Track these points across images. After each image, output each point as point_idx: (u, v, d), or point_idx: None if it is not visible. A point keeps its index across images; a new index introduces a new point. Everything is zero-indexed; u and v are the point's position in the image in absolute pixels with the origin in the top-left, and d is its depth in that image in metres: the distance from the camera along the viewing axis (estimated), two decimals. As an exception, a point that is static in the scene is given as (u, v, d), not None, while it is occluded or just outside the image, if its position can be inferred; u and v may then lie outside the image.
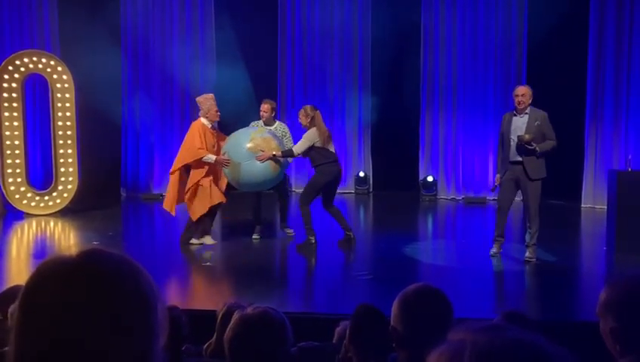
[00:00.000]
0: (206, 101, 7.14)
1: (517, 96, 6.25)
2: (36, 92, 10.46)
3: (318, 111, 6.89)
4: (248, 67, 10.90)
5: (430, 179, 11.08)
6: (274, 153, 6.64)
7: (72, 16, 10.20)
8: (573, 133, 9.57)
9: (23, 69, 9.12)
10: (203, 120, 7.07)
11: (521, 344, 0.77)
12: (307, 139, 6.72)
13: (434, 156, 11.31)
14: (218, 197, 6.98)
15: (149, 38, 11.31)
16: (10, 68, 9.07)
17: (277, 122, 7.56)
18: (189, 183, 6.93)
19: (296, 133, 7.43)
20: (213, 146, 6.97)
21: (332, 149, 6.85)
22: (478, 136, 11.04)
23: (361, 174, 11.47)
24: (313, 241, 6.83)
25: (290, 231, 7.54)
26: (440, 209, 10.53)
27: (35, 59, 9.17)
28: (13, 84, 9.10)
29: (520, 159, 6.19)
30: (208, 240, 7.12)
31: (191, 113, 11.37)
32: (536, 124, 6.17)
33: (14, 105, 9.12)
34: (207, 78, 11.25)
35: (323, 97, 11.54)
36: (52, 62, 9.20)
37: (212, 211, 7.08)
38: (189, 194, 6.93)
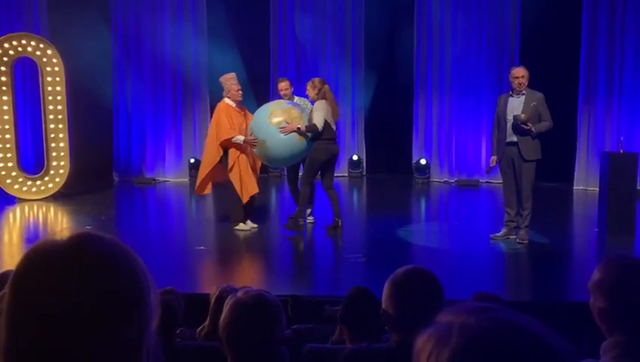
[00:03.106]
0: (226, 81, 7.03)
1: (517, 78, 6.23)
2: (26, 75, 10.34)
3: (326, 85, 6.79)
4: (240, 48, 10.82)
5: (423, 162, 11.10)
6: (298, 127, 6.49)
7: (61, -1, 10.08)
8: (566, 115, 9.56)
9: (12, 52, 9.01)
10: (227, 100, 6.97)
11: (509, 325, 0.77)
12: (319, 110, 6.56)
13: (427, 139, 11.31)
14: (252, 189, 6.86)
15: (139, 19, 11.18)
16: (-1, 51, 8.97)
17: (296, 98, 7.40)
18: (230, 163, 6.78)
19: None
20: (241, 125, 6.85)
21: (334, 127, 6.76)
22: (471, 119, 11.04)
23: (355, 158, 11.46)
24: (301, 223, 6.77)
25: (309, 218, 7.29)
26: (433, 192, 10.56)
27: (24, 42, 9.05)
28: (2, 68, 8.99)
29: (515, 140, 6.20)
30: (244, 226, 6.98)
31: (183, 95, 11.32)
32: (532, 105, 6.18)
33: (3, 88, 9.02)
34: (199, 59, 11.17)
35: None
36: (41, 45, 9.09)
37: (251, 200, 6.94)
38: (232, 174, 6.79)
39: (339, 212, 6.82)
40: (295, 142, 6.56)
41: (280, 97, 7.35)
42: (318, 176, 6.87)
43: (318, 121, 6.48)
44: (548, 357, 0.75)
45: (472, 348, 0.75)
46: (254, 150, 6.73)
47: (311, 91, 6.73)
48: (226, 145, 6.81)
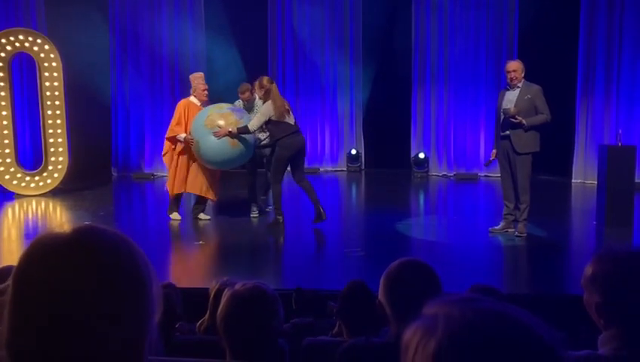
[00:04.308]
0: (194, 79, 7.23)
1: (509, 72, 6.24)
2: (23, 71, 10.32)
3: (274, 84, 6.73)
4: (238, 43, 10.80)
5: (422, 156, 11.10)
6: (229, 130, 6.53)
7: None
8: (564, 108, 9.57)
9: (9, 48, 8.98)
10: (192, 98, 7.18)
11: (494, 314, 0.78)
12: (262, 114, 6.58)
13: (426, 133, 11.31)
14: (178, 188, 7.07)
15: (137, 14, 11.15)
16: (-4, 46, 8.94)
17: (256, 99, 7.36)
18: (174, 157, 7.10)
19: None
20: None
21: (291, 121, 6.66)
22: (470, 113, 11.04)
23: (353, 152, 11.46)
24: (281, 221, 6.72)
25: (254, 211, 7.43)
26: (432, 185, 10.57)
27: (21, 37, 9.02)
28: (0, 64, 8.96)
29: (508, 133, 6.20)
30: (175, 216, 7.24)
31: (181, 90, 11.28)
32: (526, 98, 6.16)
33: (1, 84, 9.00)
34: (197, 53, 11.15)
35: (314, 75, 11.49)
36: (39, 41, 9.06)
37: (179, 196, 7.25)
38: (173, 168, 7.12)
39: (317, 199, 6.69)
40: (227, 146, 6.61)
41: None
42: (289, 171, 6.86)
43: (253, 124, 6.56)
44: (534, 345, 0.75)
45: (457, 339, 0.75)
46: (192, 150, 6.85)
47: (258, 91, 6.74)
48: (172, 141, 7.10)
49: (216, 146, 6.61)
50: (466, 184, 10.51)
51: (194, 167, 7.04)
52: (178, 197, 7.25)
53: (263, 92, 6.64)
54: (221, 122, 6.62)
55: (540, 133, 6.24)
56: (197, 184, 7.06)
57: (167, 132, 7.19)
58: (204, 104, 7.13)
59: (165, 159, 7.28)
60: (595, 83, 10.15)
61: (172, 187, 7.12)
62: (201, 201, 7.27)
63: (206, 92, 7.14)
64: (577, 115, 10.30)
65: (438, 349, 0.75)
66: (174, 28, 11.16)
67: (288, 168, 6.79)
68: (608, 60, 10.05)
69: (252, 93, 7.27)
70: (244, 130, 6.57)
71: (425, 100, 11.26)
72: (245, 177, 7.54)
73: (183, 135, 6.91)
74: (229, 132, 6.54)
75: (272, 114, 6.54)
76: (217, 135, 6.56)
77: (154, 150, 11.39)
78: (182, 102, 7.21)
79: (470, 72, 10.97)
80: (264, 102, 6.68)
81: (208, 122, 6.64)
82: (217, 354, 2.07)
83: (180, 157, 7.06)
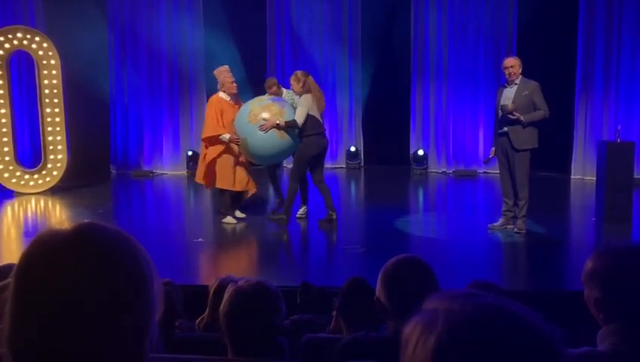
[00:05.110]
0: (220, 74, 6.97)
1: (506, 68, 6.24)
2: (22, 69, 10.31)
3: (310, 76, 6.69)
4: (237, 39, 10.78)
5: (421, 152, 11.10)
6: (277, 122, 6.40)
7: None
8: (563, 105, 9.57)
9: (7, 46, 8.97)
10: (221, 94, 6.92)
11: (494, 309, 0.78)
12: (304, 105, 6.48)
13: (425, 130, 11.31)
14: (241, 185, 6.82)
15: (135, 10, 11.13)
16: (-5, 44, 8.93)
17: (284, 92, 7.27)
18: (208, 158, 6.78)
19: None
20: (233, 121, 6.75)
21: (321, 120, 6.68)
22: (469, 110, 11.04)
23: (352, 149, 11.46)
24: (285, 219, 6.70)
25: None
26: (431, 182, 10.57)
27: (19, 35, 9.01)
28: (-2, 61, 8.96)
29: (506, 130, 6.20)
30: (230, 219, 6.95)
31: (180, 87, 11.29)
32: (524, 94, 6.15)
33: (0, 82, 8.99)
34: (196, 51, 11.13)
35: (313, 72, 11.41)
36: (37, 38, 9.05)
37: (237, 194, 6.96)
38: (209, 169, 6.82)
39: (332, 205, 6.73)
40: (276, 138, 6.46)
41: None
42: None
43: (299, 116, 6.41)
44: (533, 340, 0.76)
45: (457, 334, 0.76)
46: (240, 149, 6.68)
47: (295, 85, 6.63)
48: (211, 142, 6.77)
49: (265, 141, 6.43)
50: (465, 181, 10.52)
51: (232, 162, 6.77)
52: (238, 197, 6.97)
53: (301, 85, 6.53)
54: (265, 115, 6.46)
55: (539, 129, 6.23)
56: (241, 180, 6.83)
57: (204, 132, 6.82)
58: (234, 97, 6.95)
59: (209, 166, 6.83)
60: (594, 79, 10.15)
61: (230, 184, 6.78)
62: (237, 199, 7.02)
63: (234, 84, 6.90)
64: (576, 112, 10.30)
65: (438, 343, 0.76)
66: (173, 25, 11.14)
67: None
68: (607, 57, 10.04)
69: (279, 88, 7.22)
70: (293, 123, 6.41)
71: (424, 97, 11.25)
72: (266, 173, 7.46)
73: (227, 135, 6.64)
74: (277, 124, 6.41)
75: (311, 106, 6.47)
76: (264, 128, 6.39)
77: (153, 147, 11.39)
78: (212, 101, 6.90)
79: (469, 68, 10.96)
80: (301, 96, 6.56)
81: (252, 117, 6.46)
82: (217, 351, 2.07)
83: (224, 155, 6.75)
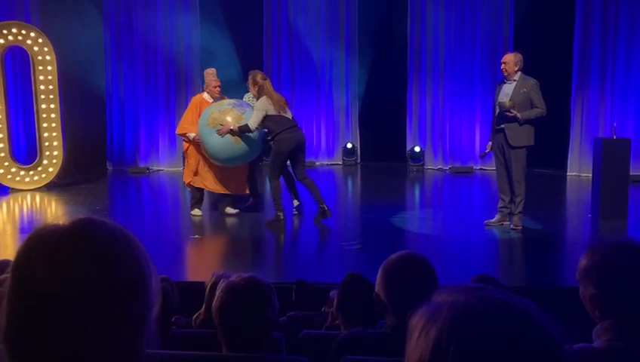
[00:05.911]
0: (207, 75, 7.21)
1: (501, 63, 6.26)
2: (17, 65, 10.25)
3: (267, 79, 6.70)
4: (233, 36, 10.76)
5: (417, 149, 11.11)
6: (231, 128, 6.49)
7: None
8: (560, 101, 9.59)
9: (2, 41, 8.92)
10: (205, 94, 7.17)
11: (499, 303, 0.78)
12: (259, 109, 6.48)
13: (421, 127, 11.32)
14: (211, 185, 7.02)
15: (131, 7, 11.09)
16: (-10, 40, 8.88)
17: (246, 95, 7.40)
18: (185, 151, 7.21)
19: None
20: None
21: (289, 116, 6.63)
22: (465, 106, 11.05)
23: (349, 145, 11.46)
24: (282, 217, 6.65)
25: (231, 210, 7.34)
26: (427, 179, 10.59)
27: (14, 30, 8.96)
28: (-6, 57, 8.92)
29: (502, 126, 6.20)
30: (196, 211, 7.15)
31: (176, 83, 11.26)
32: (522, 91, 6.15)
33: (-5, 78, 8.96)
34: (192, 47, 11.10)
35: (310, 69, 11.47)
36: (32, 34, 9.00)
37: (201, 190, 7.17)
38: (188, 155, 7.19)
39: (320, 198, 6.63)
40: (230, 144, 6.58)
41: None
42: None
43: (253, 122, 6.45)
44: (537, 334, 0.76)
45: (459, 323, 0.76)
46: (202, 150, 6.87)
47: (251, 88, 6.70)
48: (184, 140, 7.14)
49: (220, 145, 6.59)
50: (461, 177, 10.53)
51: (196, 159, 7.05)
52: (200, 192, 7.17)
53: (256, 89, 6.58)
54: (226, 119, 6.58)
55: (535, 126, 6.24)
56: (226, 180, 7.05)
57: (177, 128, 7.25)
58: (218, 100, 7.03)
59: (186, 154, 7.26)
60: (590, 77, 10.17)
61: (188, 179, 7.11)
62: (225, 196, 7.19)
63: (218, 88, 7.06)
64: (572, 109, 10.32)
65: (440, 333, 0.76)
66: (169, 22, 11.10)
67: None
68: (603, 54, 10.06)
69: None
70: (245, 128, 6.48)
71: (420, 94, 11.25)
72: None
73: (193, 134, 6.90)
74: (231, 129, 6.50)
75: (268, 108, 6.48)
76: (220, 133, 6.53)
77: (149, 144, 11.36)
78: (195, 99, 7.23)
79: (466, 65, 10.96)
80: (258, 99, 6.60)
81: (210, 121, 6.61)
82: (213, 347, 2.07)
83: (193, 152, 7.05)
